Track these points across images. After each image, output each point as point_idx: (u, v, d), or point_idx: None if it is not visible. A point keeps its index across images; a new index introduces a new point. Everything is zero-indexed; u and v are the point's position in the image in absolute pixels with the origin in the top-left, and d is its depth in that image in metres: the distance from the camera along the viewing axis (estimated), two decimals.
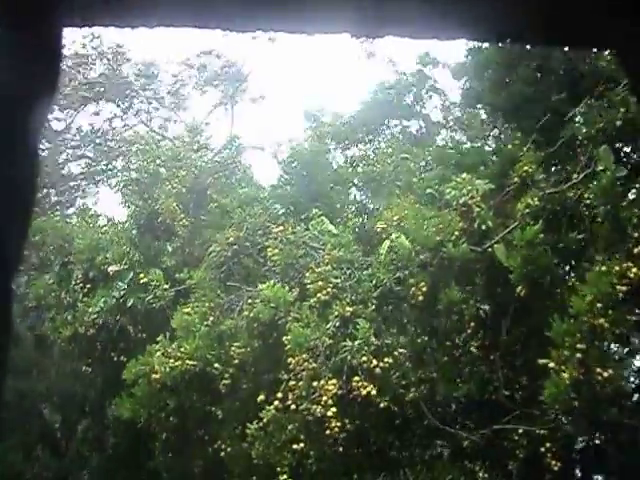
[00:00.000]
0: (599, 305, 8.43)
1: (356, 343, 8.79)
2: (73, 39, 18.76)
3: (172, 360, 9.57)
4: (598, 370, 8.45)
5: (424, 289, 9.29)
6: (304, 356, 8.88)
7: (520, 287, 9.32)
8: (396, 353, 8.98)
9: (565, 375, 8.37)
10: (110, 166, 19.25)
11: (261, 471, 9.53)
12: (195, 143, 13.38)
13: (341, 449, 9.19)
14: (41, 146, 16.72)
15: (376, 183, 12.34)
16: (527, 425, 9.72)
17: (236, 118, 19.84)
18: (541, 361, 8.77)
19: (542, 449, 9.40)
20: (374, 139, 14.43)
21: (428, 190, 10.35)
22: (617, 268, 8.69)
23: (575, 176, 9.96)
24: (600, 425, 10.15)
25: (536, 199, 9.76)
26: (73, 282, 11.59)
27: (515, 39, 1.94)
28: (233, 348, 9.74)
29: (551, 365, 8.56)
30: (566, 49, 9.89)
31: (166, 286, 10.61)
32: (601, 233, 9.51)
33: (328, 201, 11.84)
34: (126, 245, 11.52)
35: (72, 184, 19.42)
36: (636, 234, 8.97)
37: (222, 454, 10.10)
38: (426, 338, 9.99)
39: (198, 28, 1.86)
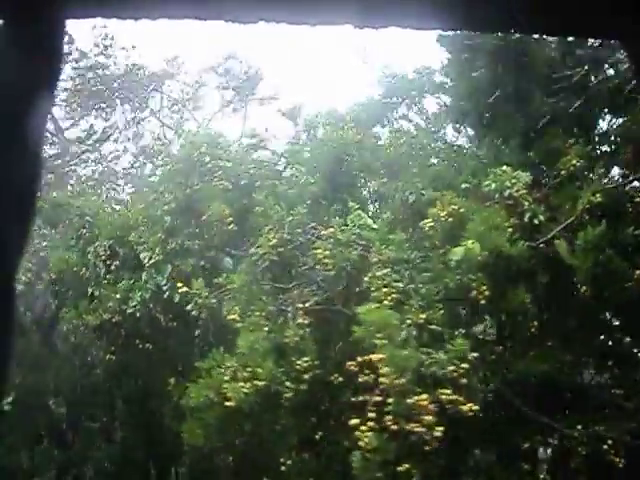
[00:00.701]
0: None
1: (442, 354, 8.52)
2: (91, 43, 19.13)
3: (242, 383, 9.15)
4: None
5: (486, 292, 9.06)
6: (387, 370, 8.45)
7: (585, 287, 9.34)
8: (470, 357, 8.69)
9: None
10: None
11: None
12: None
13: (442, 462, 9.09)
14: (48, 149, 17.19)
15: (397, 172, 11.87)
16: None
17: (247, 118, 19.89)
18: None
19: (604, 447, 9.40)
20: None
21: (464, 185, 10.10)
22: None
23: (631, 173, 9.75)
24: None
25: (598, 195, 9.59)
26: (92, 258, 11.46)
27: (519, 30, 1.90)
28: (299, 362, 9.44)
29: None
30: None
31: (205, 294, 10.20)
32: None
33: (354, 192, 11.62)
34: (160, 232, 11.28)
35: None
36: None
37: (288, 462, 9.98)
38: (494, 339, 9.78)
39: (200, 20, 1.89)
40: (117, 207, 12.64)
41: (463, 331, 9.01)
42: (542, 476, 10.65)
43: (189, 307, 10.18)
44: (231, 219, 11.10)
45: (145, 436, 12.45)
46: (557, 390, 10.11)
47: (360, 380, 9.00)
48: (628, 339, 10.89)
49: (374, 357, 8.61)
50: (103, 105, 20.17)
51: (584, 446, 9.64)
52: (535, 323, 9.83)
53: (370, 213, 10.84)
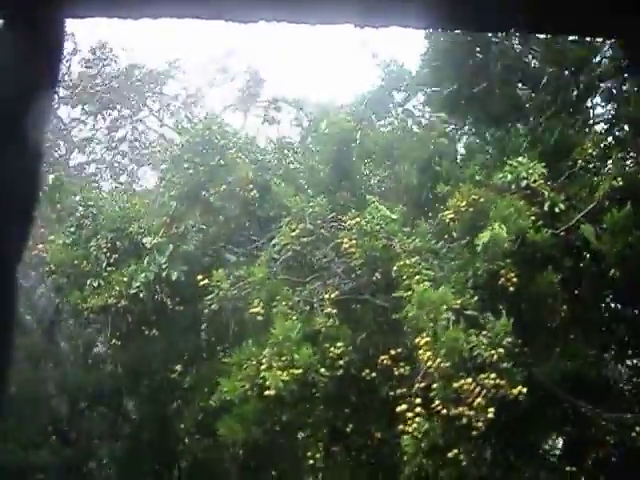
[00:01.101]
0: None
1: (483, 338, 8.56)
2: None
3: (279, 372, 9.01)
4: None
5: (514, 279, 9.14)
6: (433, 354, 8.49)
7: (613, 270, 9.40)
8: (505, 343, 8.71)
9: None
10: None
11: None
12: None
13: (490, 448, 9.26)
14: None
15: (398, 159, 11.70)
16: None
17: (249, 118, 19.82)
18: None
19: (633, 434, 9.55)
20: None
21: (477, 177, 10.10)
22: None
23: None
24: None
25: (620, 179, 9.64)
26: (94, 250, 11.32)
27: (516, 28, 1.90)
28: (332, 349, 9.43)
29: None
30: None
31: (226, 285, 9.97)
32: None
33: (359, 180, 11.54)
34: (165, 216, 11.14)
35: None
36: None
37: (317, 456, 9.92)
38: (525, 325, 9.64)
39: (200, 19, 1.92)
40: (120, 198, 12.45)
41: (495, 318, 8.92)
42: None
43: (208, 298, 10.01)
44: (252, 186, 11.06)
45: (152, 431, 12.50)
46: (585, 382, 10.11)
47: (396, 373, 9.15)
48: None
49: (421, 341, 8.66)
50: (103, 103, 20.23)
51: (613, 435, 9.87)
52: (564, 307, 9.84)
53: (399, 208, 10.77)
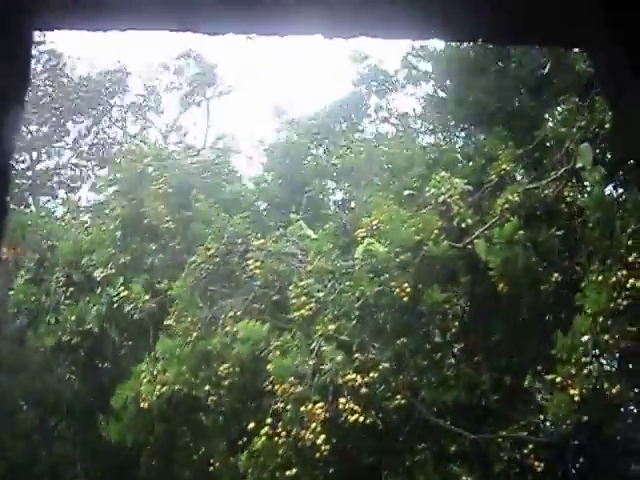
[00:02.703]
0: (601, 320, 8.40)
1: (339, 359, 8.59)
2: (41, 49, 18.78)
3: (159, 386, 9.25)
4: (606, 385, 8.43)
5: (407, 290, 8.94)
6: (290, 379, 8.56)
7: (501, 285, 9.26)
8: (381, 367, 8.69)
9: (574, 391, 8.32)
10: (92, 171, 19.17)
11: None
12: (181, 143, 13.13)
13: (331, 470, 9.04)
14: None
15: (354, 178, 11.96)
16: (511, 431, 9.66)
17: (211, 120, 19.71)
18: (548, 377, 8.75)
19: (525, 451, 9.46)
20: (347, 136, 14.03)
21: (406, 191, 10.20)
22: (614, 279, 8.62)
23: (553, 173, 9.94)
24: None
25: (515, 195, 9.71)
26: (54, 285, 11.26)
27: (486, 39, 1.92)
28: (221, 369, 9.30)
29: (558, 380, 8.52)
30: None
31: (147, 297, 10.16)
32: (591, 239, 9.47)
33: (310, 194, 11.58)
34: (112, 247, 11.18)
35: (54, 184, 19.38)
36: (630, 242, 8.81)
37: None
38: (408, 342, 9.53)
39: (168, 31, 1.84)
40: (78, 229, 12.22)
41: (373, 342, 8.95)
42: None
43: (128, 308, 10.21)
44: (168, 218, 11.06)
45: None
46: (472, 404, 10.05)
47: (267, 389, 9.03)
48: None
49: (269, 366, 8.76)
50: (58, 115, 19.68)
51: (505, 451, 9.72)
52: (456, 324, 9.69)
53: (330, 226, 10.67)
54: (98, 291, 10.74)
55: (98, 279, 10.78)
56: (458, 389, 9.52)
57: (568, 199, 9.88)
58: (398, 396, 9.06)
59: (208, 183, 11.77)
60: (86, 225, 12.19)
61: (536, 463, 9.28)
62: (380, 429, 8.93)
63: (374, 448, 9.61)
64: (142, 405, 9.31)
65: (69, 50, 19.72)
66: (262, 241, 9.94)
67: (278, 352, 8.73)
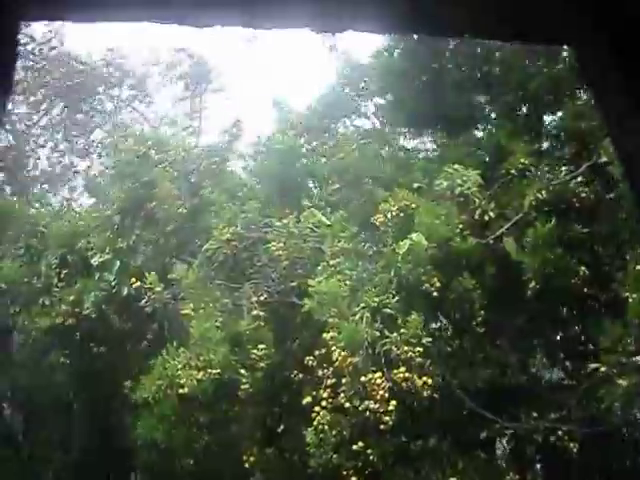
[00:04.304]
0: None
1: (395, 334, 8.57)
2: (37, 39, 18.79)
3: (196, 371, 9.00)
4: None
5: (437, 284, 9.17)
6: (343, 352, 8.50)
7: (533, 283, 9.40)
8: (424, 341, 8.76)
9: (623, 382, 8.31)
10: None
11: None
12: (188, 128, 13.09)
13: (395, 441, 9.05)
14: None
15: (349, 175, 11.86)
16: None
17: (203, 114, 19.66)
18: (592, 365, 8.80)
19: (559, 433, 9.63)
20: (334, 132, 13.98)
21: (415, 184, 10.20)
22: None
23: (569, 167, 9.94)
24: None
25: (544, 192, 9.75)
26: (44, 268, 11.09)
27: (471, 35, 1.93)
28: (255, 351, 9.35)
29: (603, 369, 8.53)
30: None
31: (159, 288, 9.90)
32: (625, 231, 9.60)
33: (303, 193, 11.45)
34: (110, 232, 11.00)
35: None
36: None
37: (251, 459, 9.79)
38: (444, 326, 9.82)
39: (157, 23, 1.87)
40: (72, 213, 12.21)
41: (416, 316, 8.94)
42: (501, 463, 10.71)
43: (142, 302, 9.92)
44: (181, 202, 10.95)
45: (101, 442, 12.19)
46: (504, 388, 10.22)
47: (320, 373, 9.00)
48: (577, 333, 11.05)
49: (326, 335, 8.64)
50: (48, 105, 19.77)
51: (539, 434, 9.85)
52: (482, 313, 9.78)
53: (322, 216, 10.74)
54: (96, 277, 10.69)
55: (95, 264, 10.71)
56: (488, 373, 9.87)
57: (594, 194, 9.93)
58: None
59: (212, 168, 11.71)
60: (80, 209, 12.07)
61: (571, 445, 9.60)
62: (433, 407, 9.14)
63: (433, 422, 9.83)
64: (181, 391, 9.03)
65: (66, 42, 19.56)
66: (285, 221, 9.89)
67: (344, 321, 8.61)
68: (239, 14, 1.91)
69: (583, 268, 9.65)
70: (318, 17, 1.87)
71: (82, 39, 20.12)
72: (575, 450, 9.75)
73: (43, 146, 19.84)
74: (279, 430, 10.00)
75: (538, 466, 11.21)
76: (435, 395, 8.80)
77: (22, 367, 12.32)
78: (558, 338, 11.28)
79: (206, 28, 1.90)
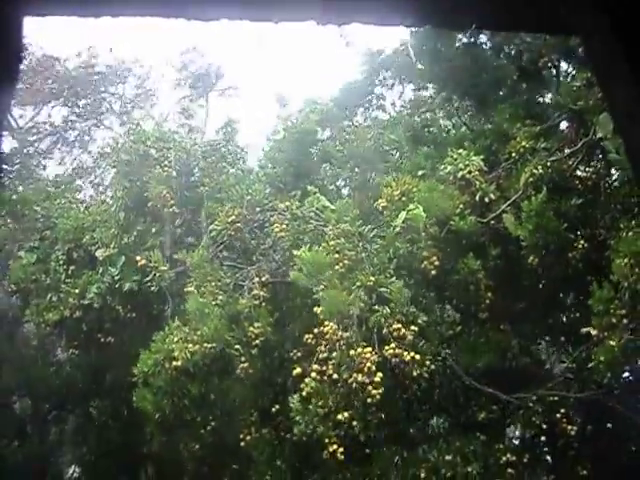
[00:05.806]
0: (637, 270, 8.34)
1: (386, 310, 8.62)
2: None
3: (191, 345, 9.09)
4: None
5: (436, 263, 9.20)
6: (335, 326, 8.59)
7: (532, 257, 9.49)
8: (420, 321, 8.80)
9: (612, 343, 8.35)
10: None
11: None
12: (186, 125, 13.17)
13: (383, 416, 8.99)
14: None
15: (361, 160, 11.98)
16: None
17: (211, 112, 19.66)
18: (584, 329, 8.81)
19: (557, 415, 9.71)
20: (351, 121, 13.97)
21: (420, 171, 10.24)
22: None
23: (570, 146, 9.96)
24: None
25: (540, 167, 9.80)
26: (54, 263, 11.23)
27: (479, 25, 1.92)
28: (251, 329, 9.43)
29: (594, 332, 8.57)
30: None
31: (164, 267, 10.03)
32: (617, 200, 9.75)
33: (315, 178, 11.61)
34: (114, 228, 11.14)
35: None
36: None
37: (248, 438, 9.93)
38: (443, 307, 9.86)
39: (162, 17, 1.86)
40: (79, 207, 12.32)
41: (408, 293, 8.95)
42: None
43: (147, 278, 10.09)
44: (173, 202, 11.08)
45: (114, 434, 12.27)
46: (505, 369, 10.29)
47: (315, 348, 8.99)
48: (577, 314, 11.06)
49: (317, 309, 8.71)
50: (56, 103, 19.80)
51: (538, 415, 9.89)
52: (489, 294, 9.86)
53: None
54: (100, 271, 10.82)
55: (100, 258, 10.83)
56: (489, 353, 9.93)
57: (589, 169, 10.04)
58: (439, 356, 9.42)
59: (212, 166, 11.85)
60: (86, 204, 12.15)
61: (569, 427, 9.72)
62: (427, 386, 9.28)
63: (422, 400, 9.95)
64: (174, 364, 9.12)
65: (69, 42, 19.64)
66: (287, 204, 10.01)
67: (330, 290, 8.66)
68: (243, 7, 1.90)
69: (582, 242, 9.72)
70: (322, 9, 1.86)
71: (84, 38, 20.00)
72: (573, 433, 9.82)
73: (49, 145, 19.94)
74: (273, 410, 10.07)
75: (537, 448, 11.26)
76: (426, 373, 8.81)
77: (32, 361, 12.53)
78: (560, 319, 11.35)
79: (210, 22, 1.90)
